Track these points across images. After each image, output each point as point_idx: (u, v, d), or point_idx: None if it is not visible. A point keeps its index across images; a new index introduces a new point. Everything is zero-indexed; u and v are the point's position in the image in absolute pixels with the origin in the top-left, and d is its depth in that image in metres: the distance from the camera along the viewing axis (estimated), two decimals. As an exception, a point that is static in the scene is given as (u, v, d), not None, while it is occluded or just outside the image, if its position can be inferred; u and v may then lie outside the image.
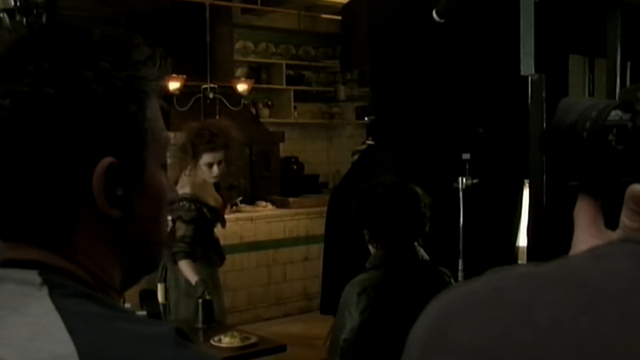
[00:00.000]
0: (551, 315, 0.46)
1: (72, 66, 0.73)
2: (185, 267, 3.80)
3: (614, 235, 0.62)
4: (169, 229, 3.65)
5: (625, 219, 0.60)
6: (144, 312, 1.23)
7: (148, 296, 1.06)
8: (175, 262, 3.83)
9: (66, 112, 0.72)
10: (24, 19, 1.89)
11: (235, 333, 3.60)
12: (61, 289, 0.71)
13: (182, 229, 4.02)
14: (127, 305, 1.16)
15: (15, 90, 0.71)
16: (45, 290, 0.71)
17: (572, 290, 0.47)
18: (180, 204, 3.95)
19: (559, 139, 0.68)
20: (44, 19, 1.85)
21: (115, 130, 0.74)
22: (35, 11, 1.90)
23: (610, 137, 0.62)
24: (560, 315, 0.46)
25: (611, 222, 0.65)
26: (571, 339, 0.45)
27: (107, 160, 0.73)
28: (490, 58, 3.97)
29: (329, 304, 4.96)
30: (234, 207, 6.61)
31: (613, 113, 0.63)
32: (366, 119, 6.03)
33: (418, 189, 2.69)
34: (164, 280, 3.70)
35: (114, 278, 0.79)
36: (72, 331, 0.66)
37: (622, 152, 0.61)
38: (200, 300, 3.66)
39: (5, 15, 1.82)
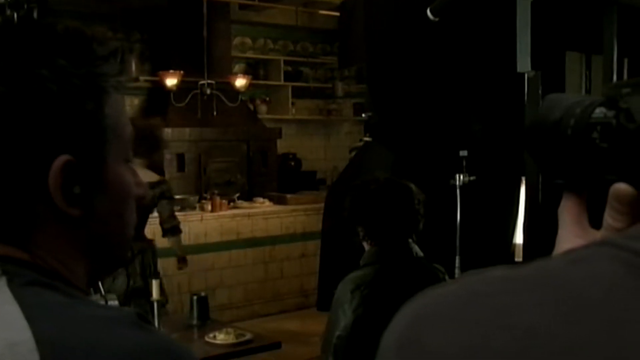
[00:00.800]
0: (529, 321, 0.44)
1: (27, 64, 0.73)
2: (180, 241, 3.97)
3: (598, 234, 0.61)
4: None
5: (608, 218, 0.59)
6: (131, 310, 1.22)
7: (136, 295, 1.04)
8: (173, 235, 4.23)
9: (19, 110, 0.71)
10: (15, 14, 1.88)
11: (229, 330, 3.60)
12: (20, 278, 0.71)
13: (168, 208, 4.15)
14: (115, 302, 1.15)
15: None
16: (3, 280, 0.71)
17: (551, 296, 0.46)
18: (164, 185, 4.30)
19: (543, 135, 0.67)
20: (35, 14, 1.83)
21: (72, 128, 0.74)
22: (26, 6, 1.89)
23: (595, 134, 0.61)
24: (538, 321, 0.44)
25: (596, 221, 0.63)
26: (549, 346, 0.43)
27: (63, 158, 0.73)
28: (488, 55, 3.96)
29: (325, 300, 4.95)
30: (231, 204, 6.61)
31: (597, 110, 0.62)
32: (363, 115, 6.03)
33: (412, 186, 2.67)
34: (152, 275, 3.70)
35: (77, 275, 0.78)
36: (30, 319, 0.66)
37: (606, 150, 0.60)
38: (194, 297, 3.65)
39: (-5, 10, 1.82)
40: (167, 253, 5.91)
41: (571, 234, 0.64)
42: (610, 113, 0.60)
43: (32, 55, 0.74)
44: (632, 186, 0.57)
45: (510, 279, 0.48)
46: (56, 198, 0.73)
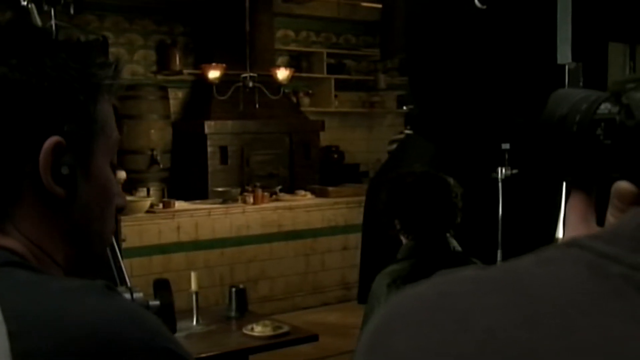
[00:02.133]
0: (488, 324, 0.45)
1: (32, 52, 0.79)
2: None
3: None
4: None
5: (610, 216, 0.58)
6: (156, 302, 1.24)
7: (162, 286, 1.07)
8: None
9: (19, 89, 0.77)
10: (52, 9, 1.92)
11: (267, 322, 3.62)
12: None
13: None
14: (139, 294, 1.17)
15: None
16: None
17: (513, 299, 0.46)
18: None
19: (549, 131, 0.67)
20: (71, 9, 1.87)
21: (65, 114, 0.79)
22: (62, 1, 1.93)
23: (599, 131, 0.61)
24: (497, 325, 0.44)
25: (603, 220, 0.63)
26: (506, 351, 0.43)
27: (55, 139, 0.78)
28: (532, 46, 3.90)
29: (366, 293, 4.95)
30: (273, 196, 6.64)
31: (603, 106, 0.61)
32: (404, 107, 5.99)
33: (450, 179, 2.65)
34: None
35: (56, 256, 0.82)
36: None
37: (610, 147, 0.59)
38: (233, 289, 3.69)
39: (34, 6, 1.85)
40: (211, 245, 5.99)
41: (576, 232, 0.63)
42: (615, 109, 0.60)
43: (36, 46, 0.80)
44: (633, 184, 0.56)
45: (477, 281, 0.49)
46: (44, 175, 0.77)
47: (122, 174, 5.89)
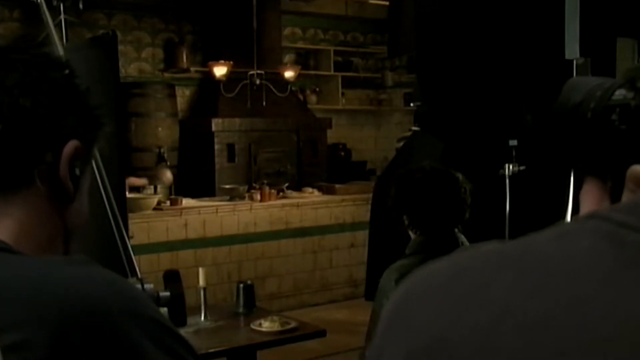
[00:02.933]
0: (504, 296, 0.46)
1: (52, 69, 0.88)
2: None
3: None
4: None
5: (625, 200, 0.58)
6: (167, 294, 1.24)
7: (171, 278, 1.07)
8: None
9: (50, 97, 0.85)
10: (61, 5, 1.92)
11: (275, 318, 3.63)
12: None
13: None
14: (150, 285, 1.18)
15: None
16: None
17: (529, 271, 0.47)
18: None
19: (563, 119, 0.66)
20: (80, 5, 1.88)
21: (79, 118, 0.88)
22: (72, -2, 1.95)
23: (614, 116, 0.60)
24: (513, 297, 0.46)
25: None
26: (521, 322, 0.44)
27: (77, 142, 0.86)
28: (540, 41, 3.89)
29: (373, 290, 4.95)
30: (280, 193, 6.65)
31: (617, 92, 0.61)
32: (412, 104, 5.99)
33: (459, 175, 2.65)
34: None
35: (45, 246, 0.86)
36: None
37: (625, 132, 0.59)
38: (241, 285, 3.70)
39: (43, 2, 1.86)
40: (218, 242, 5.99)
41: None
42: (630, 94, 0.59)
43: (50, 64, 0.88)
44: None
45: (493, 256, 0.50)
46: (64, 166, 0.85)
47: (142, 181, 5.95)
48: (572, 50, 2.41)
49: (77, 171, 0.86)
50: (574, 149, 0.66)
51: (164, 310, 1.26)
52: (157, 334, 0.74)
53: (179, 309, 1.21)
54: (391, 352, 0.50)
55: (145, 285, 1.20)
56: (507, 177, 3.90)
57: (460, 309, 0.47)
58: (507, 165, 3.91)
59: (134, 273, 1.31)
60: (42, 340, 0.66)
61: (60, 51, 1.89)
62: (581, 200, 0.67)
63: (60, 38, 2.12)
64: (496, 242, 0.51)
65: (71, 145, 0.85)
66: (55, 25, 1.96)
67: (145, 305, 0.76)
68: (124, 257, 1.31)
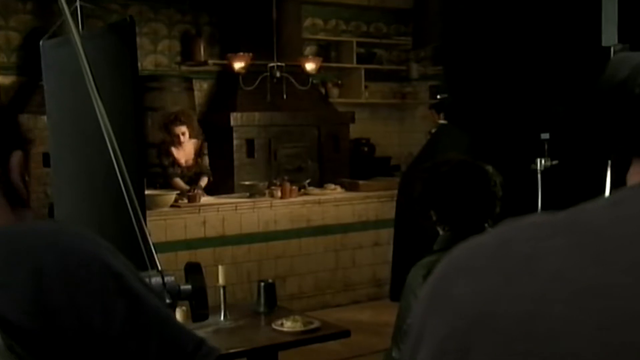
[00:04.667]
0: (555, 265, 0.46)
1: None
2: None
3: None
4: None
5: None
6: (188, 287, 1.24)
7: (193, 270, 1.07)
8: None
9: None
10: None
11: (297, 317, 3.63)
12: None
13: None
14: (171, 278, 1.18)
15: None
16: None
17: (581, 239, 0.47)
18: None
19: (609, 96, 0.65)
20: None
21: (19, 139, 1.00)
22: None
23: None
24: (565, 265, 0.46)
25: None
26: (573, 289, 0.45)
27: (20, 152, 0.97)
28: (573, 27, 3.85)
29: (398, 290, 4.92)
30: (301, 190, 6.65)
31: None
32: (438, 96, 5.96)
33: (488, 167, 2.63)
34: None
35: None
36: None
37: None
38: (262, 284, 3.70)
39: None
40: (238, 240, 6.01)
41: None
42: None
43: None
44: None
45: (543, 225, 0.50)
46: (17, 178, 0.95)
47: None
48: (610, 36, 2.38)
49: (26, 176, 0.97)
50: (620, 127, 0.65)
51: (184, 303, 1.26)
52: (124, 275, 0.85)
53: (201, 302, 1.22)
54: (433, 328, 0.51)
55: (166, 278, 1.21)
56: (539, 171, 3.86)
57: (506, 281, 0.48)
58: (538, 160, 3.87)
59: (154, 265, 1.32)
60: (22, 280, 0.79)
61: (77, 38, 1.90)
62: (628, 182, 0.66)
63: (76, 25, 2.14)
64: (542, 213, 0.51)
65: (18, 154, 0.96)
66: (71, 13, 1.97)
67: (105, 249, 0.87)
68: (143, 249, 1.31)
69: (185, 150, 6.27)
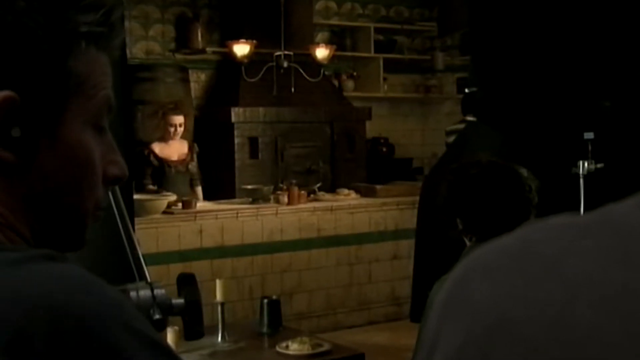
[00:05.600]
0: (582, 267, 0.48)
1: None
2: None
3: None
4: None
5: None
6: (180, 301, 1.25)
7: (186, 282, 1.07)
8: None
9: None
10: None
11: (305, 339, 3.64)
12: None
13: None
14: (161, 291, 1.19)
15: None
16: None
17: (610, 240, 0.49)
18: None
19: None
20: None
21: (23, 65, 0.79)
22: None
23: None
24: (592, 268, 0.47)
25: None
26: (601, 293, 0.46)
27: (4, 93, 0.77)
28: (620, 11, 3.85)
29: (420, 310, 4.92)
30: (311, 195, 6.66)
31: None
32: (466, 90, 5.96)
33: (522, 170, 2.63)
34: None
35: (20, 229, 0.82)
36: None
37: None
38: (265, 301, 3.71)
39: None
40: (239, 251, 6.03)
41: None
42: None
43: None
44: None
45: (571, 226, 0.52)
46: None
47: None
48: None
49: (16, 131, 0.78)
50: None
51: (177, 320, 1.27)
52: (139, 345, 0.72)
53: (195, 318, 1.22)
54: (449, 334, 0.52)
55: (156, 291, 1.22)
56: (581, 176, 3.87)
57: (529, 285, 0.49)
58: (581, 163, 3.88)
59: (142, 276, 1.33)
60: None
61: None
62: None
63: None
64: (569, 214, 0.52)
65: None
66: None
67: (125, 311, 0.75)
68: (131, 259, 1.32)
69: (177, 146, 6.36)
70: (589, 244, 0.49)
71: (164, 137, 6.27)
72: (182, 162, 6.37)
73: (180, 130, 6.27)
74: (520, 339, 0.48)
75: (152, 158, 6.22)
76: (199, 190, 6.49)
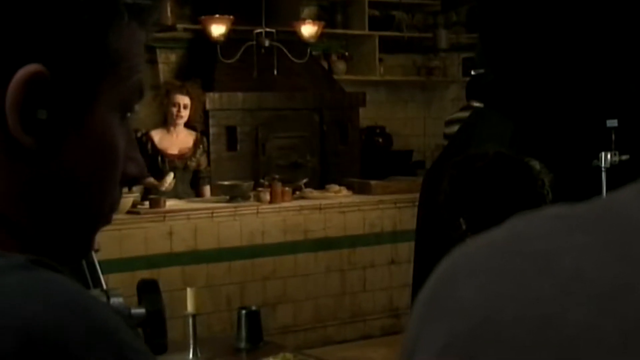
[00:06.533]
0: (575, 263, 0.48)
1: None
2: None
3: None
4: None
5: None
6: (141, 310, 1.25)
7: (147, 289, 1.07)
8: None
9: None
10: None
11: (288, 355, 3.64)
12: None
13: None
14: (119, 299, 1.18)
15: None
16: None
17: (609, 233, 0.49)
18: None
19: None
20: None
21: (57, 35, 0.75)
22: None
23: None
24: (586, 263, 0.48)
25: None
26: (596, 289, 0.47)
27: (33, 67, 0.73)
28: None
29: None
30: (297, 192, 6.66)
31: None
32: (472, 72, 5.98)
33: (534, 163, 2.65)
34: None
35: (17, 224, 0.78)
36: None
37: None
38: (243, 312, 3.72)
39: None
40: (214, 256, 6.03)
41: None
42: None
43: None
44: None
45: (563, 217, 0.53)
46: (10, 114, 0.73)
47: (170, 177, 6.17)
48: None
49: (42, 113, 0.74)
50: None
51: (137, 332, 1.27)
52: None
53: (158, 330, 1.22)
54: (429, 337, 0.53)
55: (113, 299, 1.21)
56: (603, 169, 3.89)
57: (517, 283, 0.50)
58: (603, 154, 3.90)
59: (97, 283, 1.32)
60: None
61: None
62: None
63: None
64: (563, 205, 0.53)
65: (24, 73, 0.73)
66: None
67: (120, 334, 0.71)
68: (84, 263, 1.32)
69: (180, 138, 6.39)
70: (584, 237, 0.50)
71: (167, 121, 6.33)
72: (182, 157, 6.38)
73: (185, 113, 6.30)
74: (507, 340, 0.48)
75: (149, 147, 6.23)
76: (207, 189, 6.55)
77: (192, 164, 6.44)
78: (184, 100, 6.26)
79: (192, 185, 6.56)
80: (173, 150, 6.34)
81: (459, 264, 0.54)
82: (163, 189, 6.12)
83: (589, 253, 0.49)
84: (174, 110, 6.25)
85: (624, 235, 0.49)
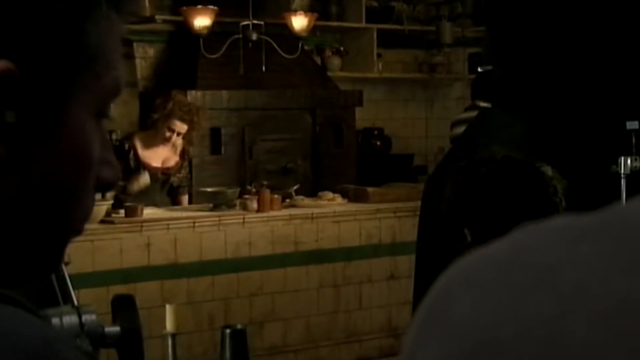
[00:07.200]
0: (579, 277, 0.49)
1: None
2: None
3: None
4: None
5: None
6: (115, 328, 1.25)
7: (122, 305, 1.08)
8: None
9: None
10: None
11: (277, 379, 3.65)
12: None
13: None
14: (91, 317, 1.19)
15: None
16: None
17: (617, 245, 0.50)
18: None
19: None
20: None
21: (28, 29, 0.74)
22: None
23: None
24: (591, 277, 0.49)
25: None
26: (601, 305, 0.48)
27: (0, 64, 0.72)
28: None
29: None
30: (287, 200, 6.66)
31: None
32: (479, 69, 5.99)
33: (546, 168, 2.66)
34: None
35: None
36: None
37: None
38: (227, 331, 3.71)
39: None
40: (196, 270, 6.03)
41: None
42: None
43: None
44: None
45: (567, 229, 0.53)
46: None
47: (145, 178, 6.12)
48: None
49: (11, 116, 0.72)
50: None
51: (110, 353, 1.27)
52: None
53: (134, 350, 1.23)
54: (426, 354, 0.53)
55: (85, 317, 1.22)
56: (622, 175, 3.90)
57: (517, 299, 0.50)
58: (622, 159, 3.91)
59: (67, 299, 1.32)
60: None
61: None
62: None
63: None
64: (571, 215, 0.54)
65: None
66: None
67: None
68: (54, 278, 1.32)
69: (166, 151, 6.46)
70: (588, 249, 0.50)
71: (156, 136, 6.36)
72: (164, 170, 6.42)
73: (178, 141, 6.33)
74: None
75: (131, 155, 6.26)
76: (185, 199, 6.60)
77: (175, 180, 6.47)
78: (182, 128, 6.24)
79: (169, 192, 6.56)
80: (154, 162, 6.38)
81: (455, 279, 0.55)
82: (136, 188, 6.13)
83: (593, 266, 0.49)
84: (167, 133, 6.25)
85: (631, 247, 0.49)
